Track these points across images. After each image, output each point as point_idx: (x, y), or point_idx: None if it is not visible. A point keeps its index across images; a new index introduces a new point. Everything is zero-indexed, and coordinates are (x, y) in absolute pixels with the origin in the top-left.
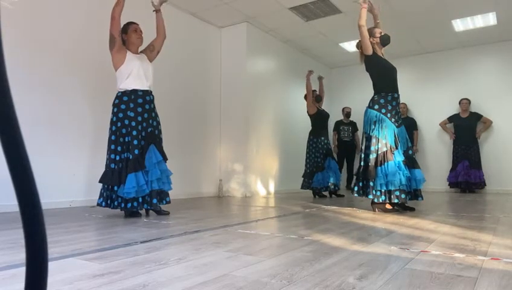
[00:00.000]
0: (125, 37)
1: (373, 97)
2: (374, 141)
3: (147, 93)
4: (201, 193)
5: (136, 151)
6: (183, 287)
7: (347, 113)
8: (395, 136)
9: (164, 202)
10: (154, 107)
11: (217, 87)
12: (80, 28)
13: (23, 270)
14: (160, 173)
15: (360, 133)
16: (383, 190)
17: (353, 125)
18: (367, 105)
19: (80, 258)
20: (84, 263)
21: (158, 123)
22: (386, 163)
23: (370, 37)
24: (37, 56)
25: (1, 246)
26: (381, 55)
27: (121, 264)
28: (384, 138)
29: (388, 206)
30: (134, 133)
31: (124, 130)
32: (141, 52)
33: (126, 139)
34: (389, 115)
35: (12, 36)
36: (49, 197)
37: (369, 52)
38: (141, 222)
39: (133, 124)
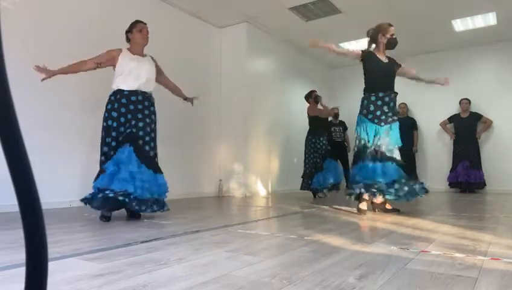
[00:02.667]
0: (130, 36)
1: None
2: (356, 142)
3: (134, 93)
4: (201, 193)
5: (112, 153)
6: (183, 287)
7: (335, 114)
8: (376, 135)
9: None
10: (145, 107)
11: (217, 87)
12: (80, 29)
13: (23, 270)
14: (127, 175)
15: (349, 132)
16: (360, 188)
17: (343, 125)
18: None
19: (79, 258)
20: (84, 263)
21: (146, 124)
22: (362, 163)
23: (380, 33)
24: (36, 56)
25: (1, 246)
26: (379, 55)
27: (121, 264)
28: (364, 139)
29: (388, 206)
30: (114, 134)
31: (107, 131)
32: (156, 66)
33: (107, 140)
34: (370, 116)
35: (12, 36)
36: (49, 197)
37: (358, 57)
38: (141, 222)
39: (115, 124)
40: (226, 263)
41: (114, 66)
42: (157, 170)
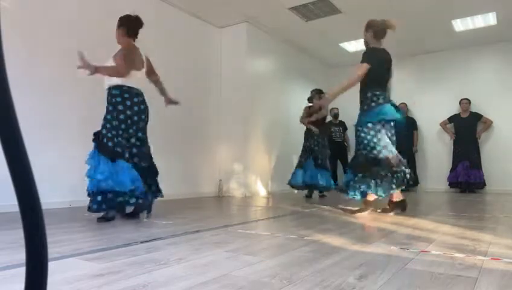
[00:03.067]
0: None
1: None
2: None
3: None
4: (201, 193)
5: None
6: (183, 287)
7: (335, 114)
8: None
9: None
10: (107, 102)
11: (217, 87)
12: (80, 29)
13: (23, 270)
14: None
15: (349, 132)
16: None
17: (343, 125)
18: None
19: (79, 258)
20: (84, 263)
21: (105, 118)
22: None
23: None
24: (36, 56)
25: (1, 246)
26: None
27: (121, 264)
28: None
29: (390, 204)
30: None
31: None
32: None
33: None
34: None
35: (12, 36)
36: (49, 197)
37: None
38: (141, 222)
39: None
40: (226, 263)
41: None
42: (114, 157)
